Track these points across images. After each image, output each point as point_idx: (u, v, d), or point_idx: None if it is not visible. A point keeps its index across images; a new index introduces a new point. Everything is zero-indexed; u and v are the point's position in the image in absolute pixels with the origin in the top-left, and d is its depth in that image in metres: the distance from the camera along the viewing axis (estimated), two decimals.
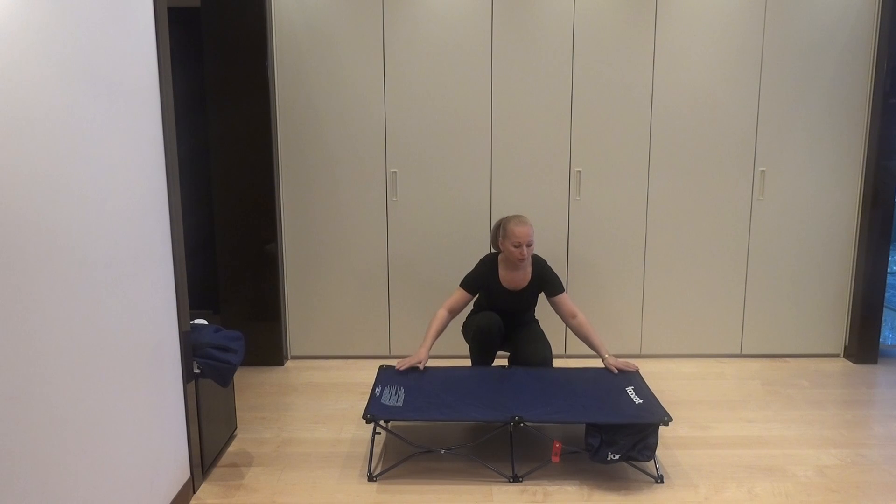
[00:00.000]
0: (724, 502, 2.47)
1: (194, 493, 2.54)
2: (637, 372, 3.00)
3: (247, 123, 3.67)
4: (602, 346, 3.09)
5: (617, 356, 3.93)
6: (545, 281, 3.15)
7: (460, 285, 3.17)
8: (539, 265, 3.17)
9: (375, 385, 2.90)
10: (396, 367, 3.02)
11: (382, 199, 3.82)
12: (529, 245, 3.03)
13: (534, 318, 3.34)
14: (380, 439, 2.96)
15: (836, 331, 3.98)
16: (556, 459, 2.59)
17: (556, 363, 3.86)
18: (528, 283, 3.16)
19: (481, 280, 3.16)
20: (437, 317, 3.10)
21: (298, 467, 2.74)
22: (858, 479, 2.63)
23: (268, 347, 3.88)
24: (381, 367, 3.11)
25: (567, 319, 3.11)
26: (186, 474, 2.48)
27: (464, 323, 3.30)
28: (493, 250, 3.25)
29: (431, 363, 3.88)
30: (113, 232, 1.96)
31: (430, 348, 3.07)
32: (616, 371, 3.00)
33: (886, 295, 3.85)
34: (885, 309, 3.87)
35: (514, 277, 3.15)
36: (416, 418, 2.61)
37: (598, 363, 3.00)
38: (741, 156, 3.78)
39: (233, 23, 3.58)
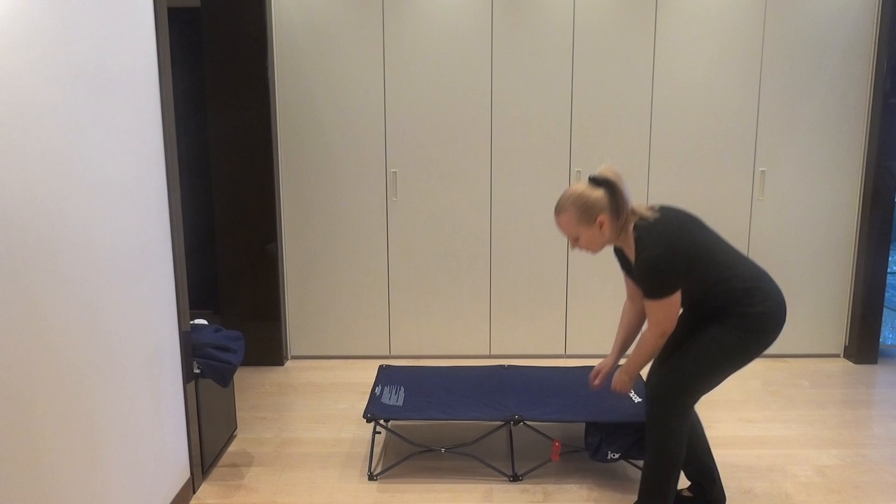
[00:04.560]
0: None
1: (194, 493, 2.54)
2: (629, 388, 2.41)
3: (247, 123, 3.67)
4: (625, 360, 2.38)
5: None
6: (635, 264, 2.15)
7: None
8: (641, 241, 2.11)
9: (375, 384, 2.90)
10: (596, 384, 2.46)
11: (382, 199, 3.82)
12: (571, 239, 2.21)
13: (712, 326, 2.16)
14: (380, 439, 2.96)
15: (836, 331, 3.98)
16: (555, 458, 2.59)
17: (556, 363, 3.87)
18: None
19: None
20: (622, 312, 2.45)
21: (298, 467, 2.74)
22: (858, 479, 2.63)
23: (268, 347, 3.88)
24: (381, 367, 3.11)
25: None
26: (186, 474, 2.48)
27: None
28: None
29: (431, 363, 3.89)
30: (113, 232, 1.96)
31: (618, 355, 2.44)
32: (613, 385, 2.38)
33: (886, 295, 3.85)
34: (885, 309, 3.87)
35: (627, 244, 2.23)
36: (416, 417, 2.61)
37: (597, 362, 3.00)
38: (741, 156, 3.78)
39: (233, 23, 3.59)
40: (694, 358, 2.16)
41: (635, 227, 2.14)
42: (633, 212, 2.16)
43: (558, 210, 2.21)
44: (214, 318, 4.47)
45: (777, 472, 2.69)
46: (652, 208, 2.18)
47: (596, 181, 2.17)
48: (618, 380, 2.35)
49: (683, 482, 2.52)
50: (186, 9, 4.22)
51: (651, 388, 2.23)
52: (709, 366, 2.14)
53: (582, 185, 2.19)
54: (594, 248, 2.22)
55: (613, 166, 2.24)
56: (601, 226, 2.15)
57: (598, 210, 2.14)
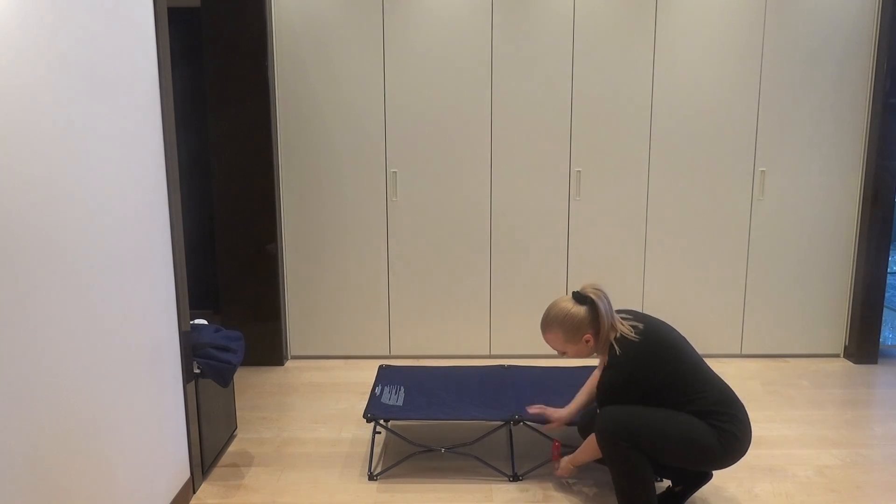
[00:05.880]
0: (724, 502, 2.47)
1: (194, 493, 2.54)
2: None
3: (247, 123, 3.67)
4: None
5: None
6: (601, 376, 2.29)
7: None
8: (612, 358, 2.23)
9: (375, 384, 2.90)
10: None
11: (382, 199, 3.82)
12: (559, 352, 2.35)
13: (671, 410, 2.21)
14: (380, 438, 2.96)
15: (836, 331, 3.98)
16: (556, 458, 2.58)
17: (556, 363, 3.86)
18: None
19: None
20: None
21: (298, 467, 2.74)
22: (858, 479, 2.63)
23: (268, 347, 3.88)
24: (381, 367, 3.11)
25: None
26: (186, 474, 2.48)
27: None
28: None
29: (431, 363, 3.89)
30: (113, 232, 1.96)
31: (574, 412, 2.54)
32: (560, 472, 2.46)
33: (886, 295, 3.85)
34: (885, 309, 3.87)
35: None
36: (416, 417, 2.61)
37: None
38: (741, 156, 3.78)
39: (233, 23, 3.58)
40: (666, 416, 2.17)
41: (613, 344, 2.22)
42: (614, 327, 2.24)
43: (545, 328, 2.30)
44: (214, 318, 4.47)
45: (777, 472, 2.69)
46: (635, 326, 2.23)
47: (580, 298, 2.26)
48: (565, 468, 2.44)
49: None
50: (186, 9, 4.22)
51: (613, 413, 2.20)
52: (678, 429, 2.15)
53: (567, 303, 2.27)
54: (583, 356, 2.33)
55: (597, 283, 2.33)
56: (587, 342, 2.26)
57: (584, 331, 2.25)
